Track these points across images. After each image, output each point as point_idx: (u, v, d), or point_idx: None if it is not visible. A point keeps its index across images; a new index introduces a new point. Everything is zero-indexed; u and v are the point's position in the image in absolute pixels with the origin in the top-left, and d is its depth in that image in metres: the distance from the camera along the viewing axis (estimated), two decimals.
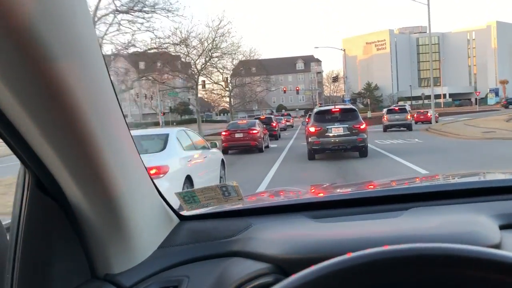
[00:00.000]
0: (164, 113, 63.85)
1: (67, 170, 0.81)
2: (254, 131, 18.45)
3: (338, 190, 1.91)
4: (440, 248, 0.61)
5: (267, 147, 20.01)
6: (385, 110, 30.57)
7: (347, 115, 14.27)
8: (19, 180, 0.89)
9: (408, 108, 29.60)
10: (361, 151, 14.12)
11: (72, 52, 0.69)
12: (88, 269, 0.95)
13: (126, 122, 0.91)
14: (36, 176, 0.86)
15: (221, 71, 39.48)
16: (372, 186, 1.86)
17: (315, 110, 15.78)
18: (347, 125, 13.85)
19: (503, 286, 0.57)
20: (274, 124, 27.46)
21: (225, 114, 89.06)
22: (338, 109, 14.65)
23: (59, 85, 0.68)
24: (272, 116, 31.32)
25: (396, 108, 29.67)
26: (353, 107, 15.85)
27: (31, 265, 0.86)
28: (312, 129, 14.11)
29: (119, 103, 0.86)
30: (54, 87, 0.68)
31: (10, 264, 0.86)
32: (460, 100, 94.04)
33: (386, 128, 28.26)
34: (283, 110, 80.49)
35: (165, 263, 1.02)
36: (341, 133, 13.82)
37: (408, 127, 27.94)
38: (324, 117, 14.37)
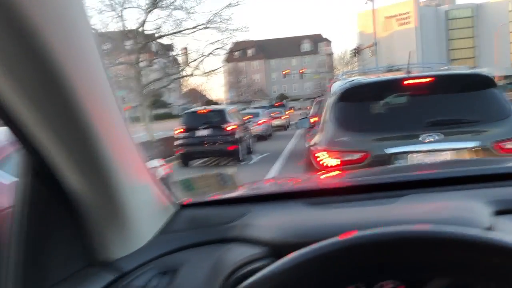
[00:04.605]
0: (127, 108, 45.67)
1: (66, 157, 0.86)
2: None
3: (337, 178, 2.05)
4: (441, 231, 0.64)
5: None
6: None
7: (465, 101, 3.61)
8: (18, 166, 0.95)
9: None
10: None
11: (68, 44, 0.74)
12: (85, 255, 0.99)
13: (121, 109, 0.97)
14: (34, 162, 0.90)
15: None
16: (369, 174, 1.92)
17: (337, 84, 4.25)
18: (480, 140, 3.38)
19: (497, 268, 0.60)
20: (229, 128, 13.81)
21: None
22: (432, 78, 3.77)
23: (57, 75, 0.72)
24: (218, 108, 16.14)
25: None
26: (484, 72, 4.34)
27: (27, 250, 0.90)
28: (327, 159, 3.44)
29: (114, 91, 0.92)
30: (51, 77, 0.72)
31: (6, 250, 0.91)
32: None
33: None
34: (284, 101, 62.49)
35: (164, 249, 1.06)
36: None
37: None
38: (375, 106, 3.62)
